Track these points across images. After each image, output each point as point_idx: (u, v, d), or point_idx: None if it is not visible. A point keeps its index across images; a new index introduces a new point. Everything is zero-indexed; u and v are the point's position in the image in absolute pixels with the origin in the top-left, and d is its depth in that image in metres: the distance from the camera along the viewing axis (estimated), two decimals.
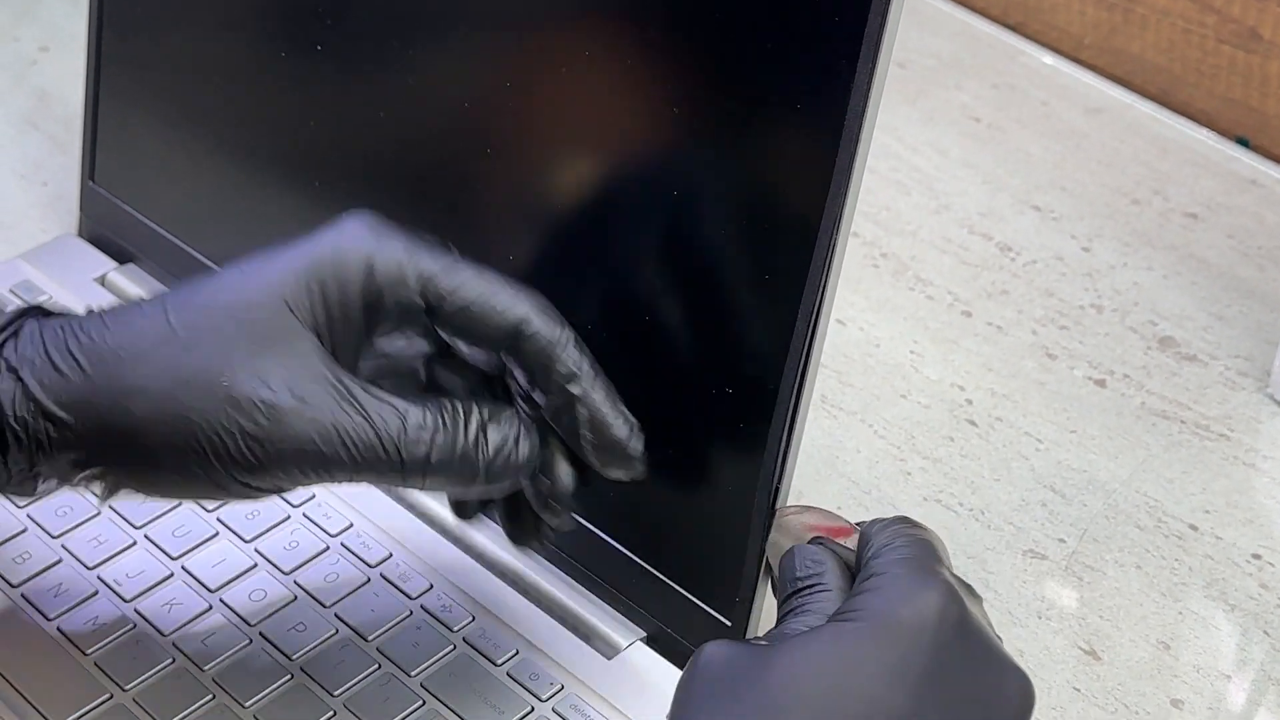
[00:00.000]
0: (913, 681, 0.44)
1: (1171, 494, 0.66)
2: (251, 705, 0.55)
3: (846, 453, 0.67)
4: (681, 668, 0.55)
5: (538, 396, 0.51)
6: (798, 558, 0.50)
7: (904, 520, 0.50)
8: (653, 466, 0.56)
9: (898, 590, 0.46)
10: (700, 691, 0.46)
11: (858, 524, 0.51)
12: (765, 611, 0.54)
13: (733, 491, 0.53)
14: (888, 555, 0.48)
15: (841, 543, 0.51)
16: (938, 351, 0.72)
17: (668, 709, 0.46)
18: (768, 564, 0.52)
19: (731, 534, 0.54)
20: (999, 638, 0.48)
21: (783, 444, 0.51)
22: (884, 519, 0.50)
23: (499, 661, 0.57)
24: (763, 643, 0.47)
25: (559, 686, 0.56)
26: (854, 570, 0.50)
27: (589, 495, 0.58)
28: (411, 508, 0.63)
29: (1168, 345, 0.72)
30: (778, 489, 0.52)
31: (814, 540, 0.51)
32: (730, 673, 0.45)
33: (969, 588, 0.49)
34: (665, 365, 0.55)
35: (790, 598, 0.49)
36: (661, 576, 0.56)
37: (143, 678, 0.56)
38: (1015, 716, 0.46)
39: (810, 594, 0.49)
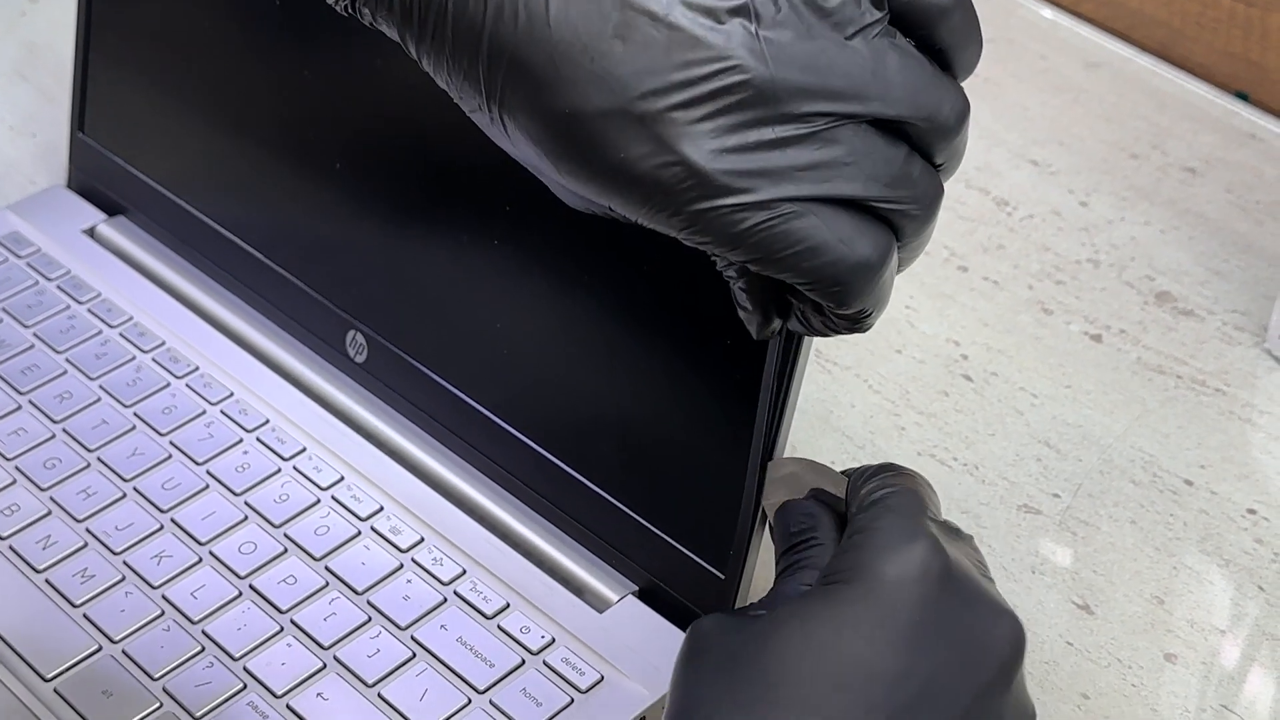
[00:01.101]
0: (900, 639, 0.44)
1: (1167, 449, 0.65)
2: (242, 658, 0.55)
3: (841, 408, 0.67)
4: (674, 621, 0.56)
5: None
6: (790, 513, 0.50)
7: (888, 468, 0.50)
8: (647, 418, 0.56)
9: (880, 548, 0.46)
10: (697, 668, 0.46)
11: (844, 472, 0.51)
12: (760, 564, 0.54)
13: (727, 444, 0.53)
14: (871, 511, 0.48)
15: (834, 493, 0.50)
16: (933, 306, 0.71)
17: (667, 680, 0.46)
18: (764, 515, 0.52)
19: (725, 487, 0.53)
20: (989, 579, 0.48)
21: (777, 396, 0.51)
22: (868, 467, 0.50)
23: (490, 614, 0.56)
24: (759, 611, 0.46)
25: (550, 640, 0.56)
26: (846, 518, 0.50)
27: (580, 446, 0.58)
28: (401, 459, 0.62)
29: (1164, 300, 0.72)
30: (774, 442, 0.52)
31: (810, 494, 0.51)
32: (725, 647, 0.45)
33: (955, 531, 0.49)
34: (661, 315, 0.54)
35: (786, 553, 0.49)
36: (654, 529, 0.56)
37: (132, 630, 0.56)
38: (1007, 658, 0.46)
39: (804, 549, 0.49)
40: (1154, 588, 0.60)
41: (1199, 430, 0.66)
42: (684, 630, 0.55)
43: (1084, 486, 0.64)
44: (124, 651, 0.55)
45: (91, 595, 0.57)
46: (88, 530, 0.59)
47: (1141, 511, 0.63)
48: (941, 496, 0.63)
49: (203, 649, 0.55)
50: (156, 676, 0.54)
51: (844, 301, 0.43)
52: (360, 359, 0.64)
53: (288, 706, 0.54)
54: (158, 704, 0.54)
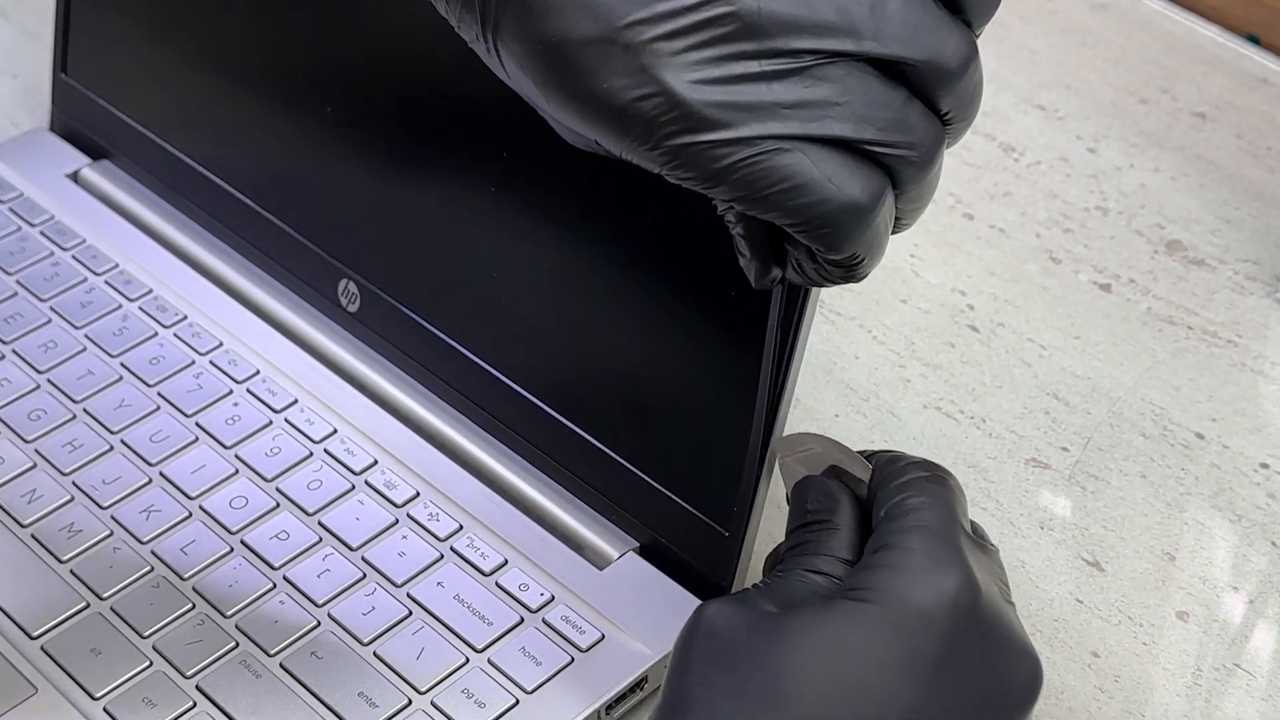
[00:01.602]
0: (923, 673, 0.43)
1: (1178, 401, 0.64)
2: (233, 615, 0.54)
3: (845, 359, 0.66)
4: (676, 579, 0.55)
5: None
6: (811, 490, 0.49)
7: (918, 465, 0.48)
8: (648, 370, 0.54)
9: (912, 571, 0.44)
10: (702, 658, 0.44)
11: (868, 455, 0.49)
12: (765, 520, 0.53)
13: (731, 397, 0.52)
14: (901, 525, 0.46)
15: (853, 473, 0.49)
16: (938, 255, 0.70)
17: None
18: (754, 529, 0.51)
19: (729, 441, 0.52)
20: (1010, 602, 0.47)
21: (782, 349, 0.49)
22: (896, 458, 0.48)
23: (487, 571, 0.55)
24: (768, 605, 0.45)
25: (549, 597, 0.54)
26: (865, 505, 0.48)
27: (579, 399, 0.56)
28: (396, 412, 0.61)
29: (1175, 249, 0.71)
30: (779, 396, 0.50)
31: (828, 471, 0.49)
32: (734, 641, 0.44)
33: (982, 544, 0.48)
34: (664, 265, 0.53)
35: (798, 530, 0.48)
36: (656, 485, 0.55)
37: (120, 586, 0.54)
38: (1023, 700, 0.45)
39: (818, 531, 0.47)
40: (1165, 544, 0.59)
41: (1210, 382, 0.65)
42: (687, 588, 0.54)
43: (1093, 440, 0.63)
44: (113, 609, 0.54)
45: (78, 551, 0.56)
46: (74, 484, 0.58)
47: (1152, 466, 0.62)
48: (948, 450, 0.62)
49: (193, 606, 0.54)
50: (146, 634, 0.53)
51: (833, 245, 0.41)
52: (353, 308, 0.62)
53: (281, 665, 0.52)
54: (148, 663, 0.52)
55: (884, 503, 0.47)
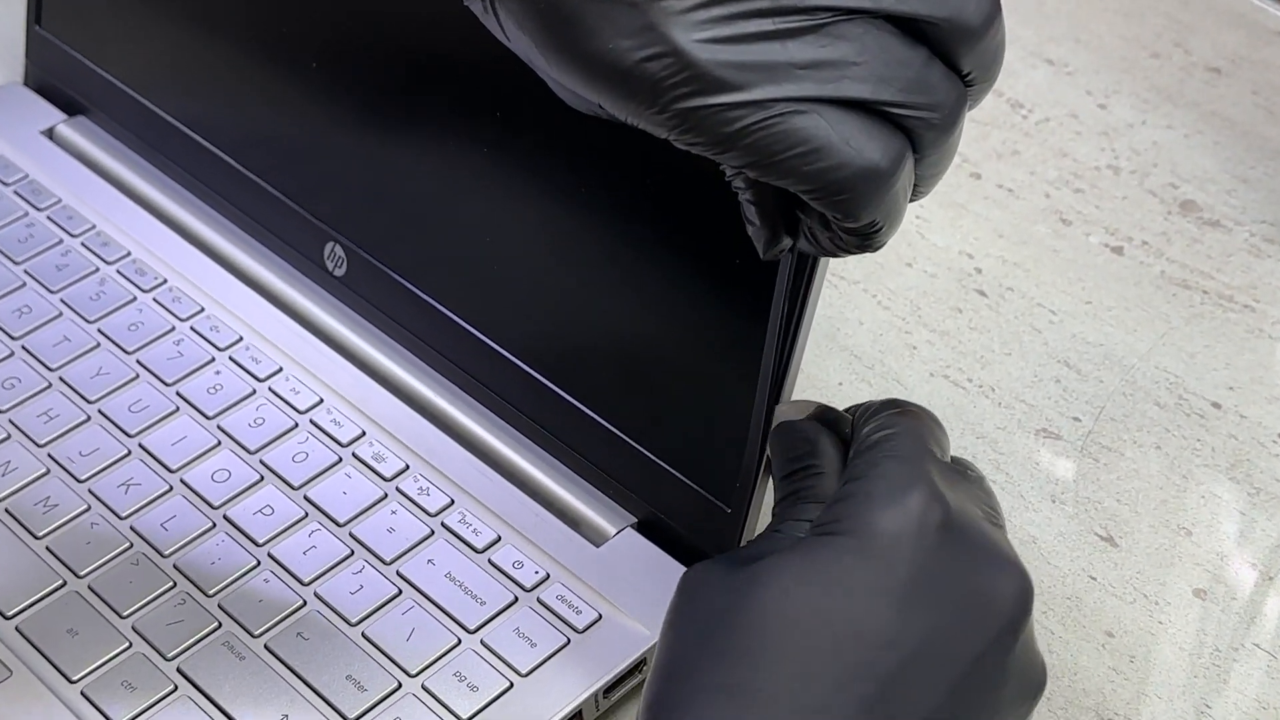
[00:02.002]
0: (894, 598, 0.41)
1: (1193, 369, 0.62)
2: (216, 594, 0.52)
3: (849, 325, 0.63)
4: (675, 556, 0.53)
5: None
6: (788, 436, 0.47)
7: (890, 405, 0.46)
8: (648, 340, 0.52)
9: (875, 497, 0.43)
10: (684, 622, 0.43)
11: (849, 410, 0.47)
12: (770, 496, 0.51)
13: (734, 369, 0.49)
14: (869, 455, 0.44)
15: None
16: (945, 216, 0.68)
17: (659, 628, 0.43)
18: (757, 505, 0.49)
19: (732, 415, 0.50)
20: (999, 525, 0.45)
21: (789, 320, 0.47)
22: (871, 403, 0.47)
23: (480, 549, 0.53)
24: (754, 553, 0.43)
25: (544, 575, 0.52)
26: (848, 448, 0.46)
27: (575, 369, 0.54)
28: (384, 381, 0.58)
29: (1189, 209, 0.68)
30: (785, 369, 0.48)
31: (809, 416, 0.47)
32: (710, 600, 0.43)
33: (963, 472, 0.46)
34: (665, 230, 0.50)
35: (785, 480, 0.46)
36: (655, 459, 0.53)
37: (98, 564, 0.52)
38: (1011, 615, 0.43)
39: (804, 477, 0.46)
40: (1181, 518, 0.57)
41: (1227, 349, 0.63)
42: (687, 565, 0.52)
43: (1106, 409, 0.61)
44: (90, 587, 0.52)
45: (55, 526, 0.53)
46: (50, 456, 0.56)
47: (1167, 436, 0.60)
48: (955, 420, 0.60)
49: (174, 585, 0.52)
50: (125, 614, 0.51)
51: (851, 212, 0.39)
52: (339, 273, 0.60)
53: (266, 646, 0.50)
54: (127, 644, 0.50)
55: (858, 438, 0.46)
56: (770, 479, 0.49)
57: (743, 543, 0.51)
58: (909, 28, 0.38)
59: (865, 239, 0.40)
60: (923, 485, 0.43)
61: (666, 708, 0.41)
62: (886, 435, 0.45)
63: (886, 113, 0.38)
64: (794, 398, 0.49)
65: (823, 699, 0.40)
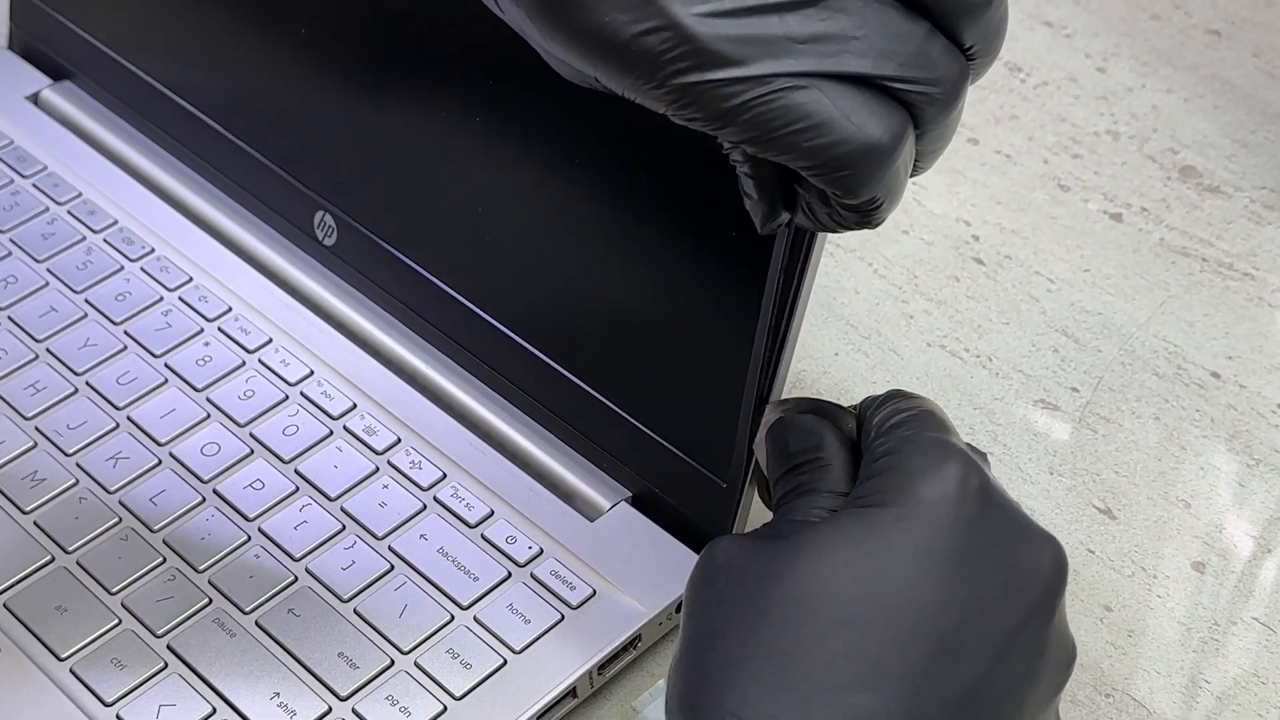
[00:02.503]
0: (942, 564, 0.41)
1: (1192, 338, 0.61)
2: (206, 570, 0.51)
3: (845, 294, 0.63)
4: (670, 531, 0.52)
5: None
6: (790, 429, 0.46)
7: (898, 394, 0.46)
8: (642, 313, 0.52)
9: (914, 469, 0.42)
10: (717, 590, 0.42)
11: (850, 407, 0.47)
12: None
13: (730, 342, 0.49)
14: (896, 434, 0.44)
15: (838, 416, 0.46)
16: (942, 183, 0.67)
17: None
18: (755, 452, 0.48)
19: (727, 388, 0.49)
20: (1019, 505, 0.44)
21: (785, 293, 0.46)
22: (875, 396, 0.46)
23: (473, 523, 0.53)
24: (778, 534, 0.43)
25: (538, 550, 0.52)
26: (852, 441, 0.46)
27: (569, 341, 0.54)
28: (376, 353, 0.58)
29: (1189, 175, 0.68)
30: (781, 342, 0.47)
31: (807, 411, 0.47)
32: (747, 569, 0.42)
33: (981, 454, 0.46)
34: (660, 201, 0.50)
35: (787, 475, 0.45)
36: (649, 433, 0.52)
37: (86, 539, 0.52)
38: (1050, 585, 0.43)
39: (810, 470, 0.45)
40: (1180, 490, 0.56)
41: (1226, 318, 0.62)
42: (682, 541, 0.52)
43: (1104, 380, 0.60)
44: (79, 563, 0.51)
45: (42, 501, 0.53)
46: (37, 429, 0.55)
47: (1166, 407, 0.59)
48: (952, 391, 0.59)
49: (164, 560, 0.51)
50: (115, 590, 0.51)
51: (851, 189, 0.38)
52: (329, 242, 0.59)
53: (257, 623, 0.50)
54: (116, 620, 0.50)
55: (872, 427, 0.45)
56: (755, 473, 0.48)
57: (738, 517, 0.50)
58: (909, 1, 0.37)
59: (865, 215, 0.40)
60: (959, 455, 0.43)
61: (705, 677, 0.41)
62: (909, 415, 0.45)
63: (887, 87, 0.38)
64: (790, 367, 0.49)
65: (870, 666, 0.40)
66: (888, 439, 0.44)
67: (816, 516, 0.43)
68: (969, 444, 0.46)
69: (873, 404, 0.46)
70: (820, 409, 0.47)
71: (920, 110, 0.38)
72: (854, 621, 0.40)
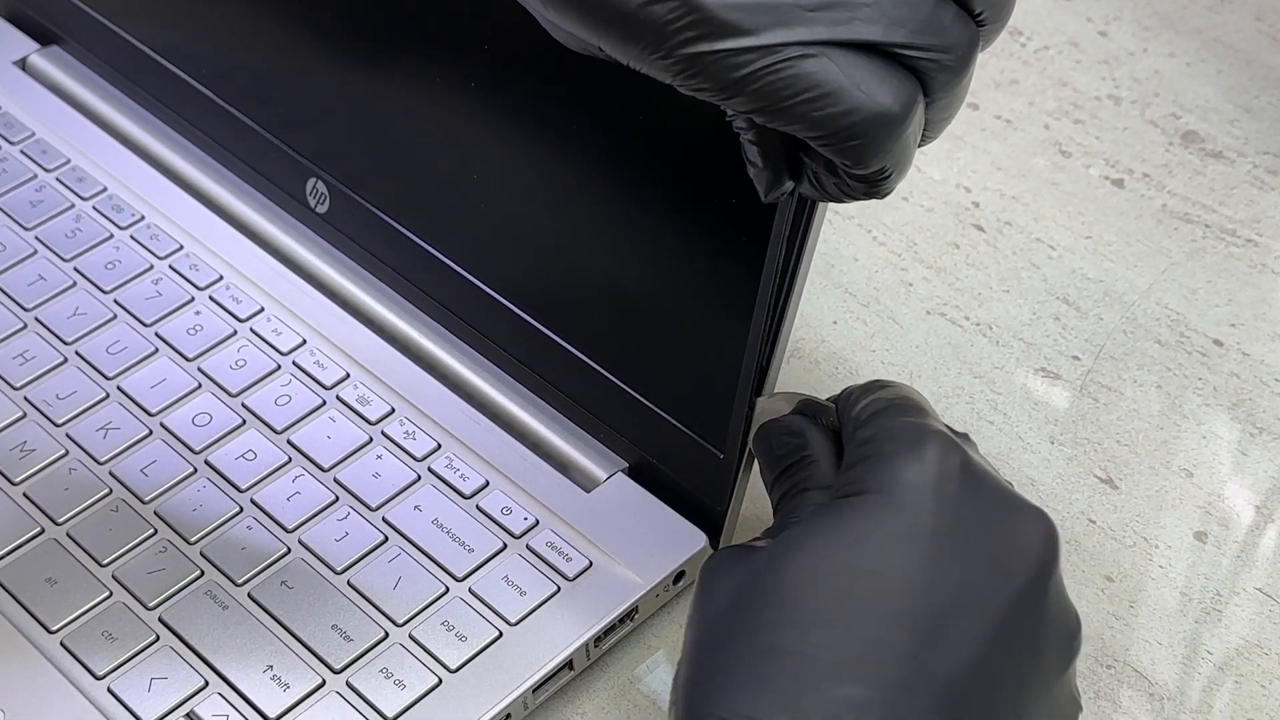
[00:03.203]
0: (925, 545, 0.41)
1: (1195, 306, 0.61)
2: (197, 542, 0.51)
3: (843, 261, 0.62)
4: (667, 501, 0.52)
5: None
6: (773, 434, 0.46)
7: (877, 384, 0.46)
8: (639, 281, 0.51)
9: (892, 454, 0.42)
10: (711, 599, 0.42)
11: (830, 399, 0.46)
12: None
13: (730, 310, 0.48)
14: (874, 423, 0.44)
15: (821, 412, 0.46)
16: (941, 148, 0.66)
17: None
18: (749, 453, 0.48)
19: (728, 357, 0.48)
20: (1008, 483, 0.44)
21: (786, 261, 0.46)
22: (854, 387, 0.46)
23: (468, 494, 0.52)
24: (767, 539, 0.43)
25: (534, 522, 0.51)
26: (836, 434, 0.46)
27: (564, 310, 0.53)
28: (369, 322, 0.57)
29: (1191, 140, 0.67)
30: (781, 311, 0.47)
31: (794, 410, 0.47)
32: (738, 573, 0.42)
33: (962, 435, 0.46)
34: (659, 168, 0.49)
35: (779, 478, 0.46)
36: (647, 403, 0.51)
37: (76, 511, 0.51)
38: (1042, 560, 0.42)
39: (799, 469, 0.45)
40: (1182, 459, 0.56)
41: (1229, 285, 0.61)
42: (680, 512, 0.51)
43: (1106, 348, 0.59)
44: (69, 535, 0.51)
45: (31, 472, 0.52)
46: (26, 399, 0.54)
47: (1168, 375, 0.58)
48: (952, 359, 0.59)
49: (155, 532, 0.51)
50: (105, 562, 0.50)
51: (861, 158, 0.38)
52: (322, 209, 0.59)
53: (249, 595, 0.49)
54: (107, 593, 0.49)
55: (850, 419, 0.45)
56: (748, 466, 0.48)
57: (735, 489, 0.50)
58: None
59: (874, 185, 0.39)
60: (937, 436, 0.43)
61: (695, 683, 0.40)
62: (887, 404, 0.44)
63: (897, 55, 0.37)
64: (790, 338, 0.48)
65: (853, 657, 0.39)
66: (866, 428, 0.44)
67: (809, 514, 0.43)
68: (949, 426, 0.46)
69: (851, 394, 0.46)
70: (805, 407, 0.47)
71: (930, 78, 0.38)
72: (834, 613, 0.40)
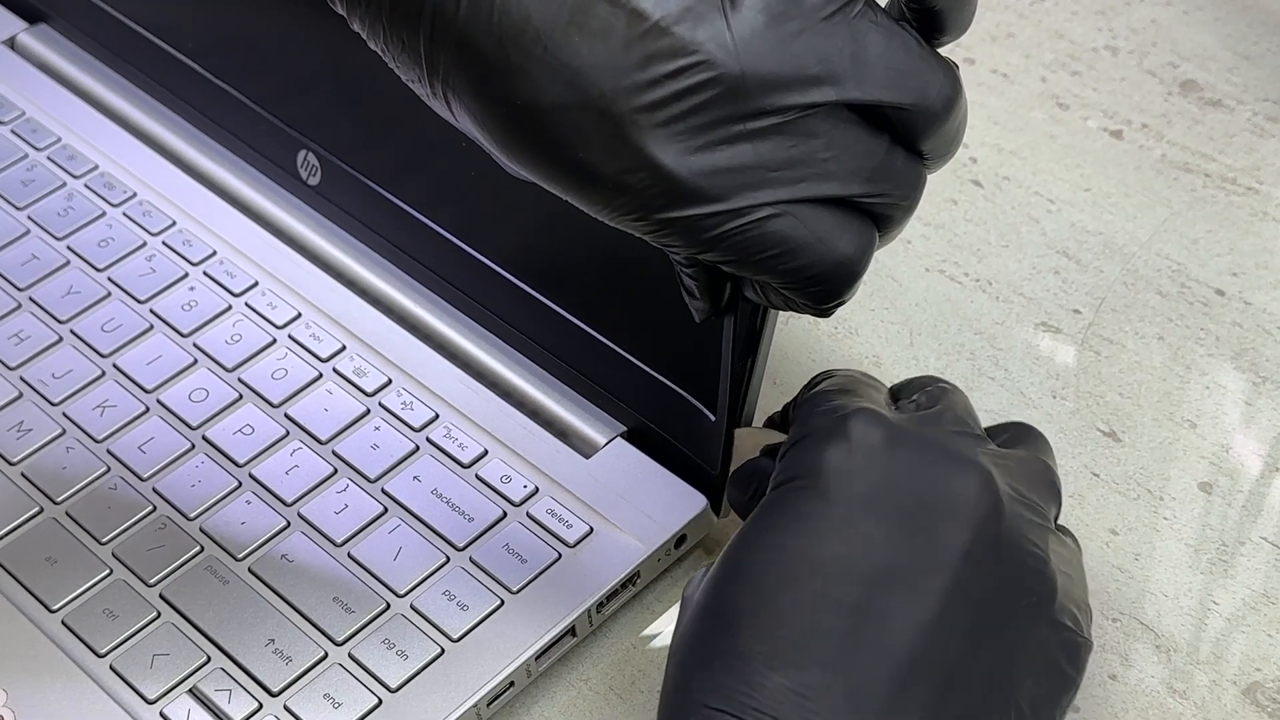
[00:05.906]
0: (857, 520, 0.41)
1: (1195, 255, 0.60)
2: (197, 518, 0.50)
3: None
4: (666, 465, 0.51)
5: None
6: (739, 480, 0.47)
7: (820, 375, 0.47)
8: (632, 244, 0.50)
9: (813, 437, 0.43)
10: (689, 618, 0.42)
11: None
12: (760, 400, 0.49)
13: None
14: (799, 412, 0.45)
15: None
16: None
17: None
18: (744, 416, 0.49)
19: (719, 320, 0.48)
20: (967, 433, 0.44)
21: None
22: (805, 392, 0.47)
23: (467, 463, 0.52)
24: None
25: (533, 489, 0.51)
26: None
27: (557, 275, 0.53)
28: (363, 293, 0.57)
29: (1190, 89, 0.66)
30: None
31: (761, 452, 0.48)
32: (700, 590, 0.42)
33: (951, 388, 0.46)
34: None
35: (747, 506, 0.47)
36: (643, 365, 0.51)
37: (75, 489, 0.51)
38: (982, 511, 0.42)
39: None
40: (1185, 410, 0.56)
41: (1230, 234, 0.61)
42: (677, 474, 0.51)
43: (1107, 300, 0.59)
44: (68, 513, 0.51)
45: (29, 451, 0.52)
46: (22, 379, 0.54)
47: (1170, 326, 0.58)
48: (952, 316, 0.58)
49: (154, 509, 0.51)
50: (104, 540, 0.50)
51: (822, 300, 0.40)
52: (313, 181, 0.58)
53: (250, 570, 0.49)
54: (107, 570, 0.49)
55: (791, 417, 0.46)
56: (761, 375, 0.48)
57: (726, 450, 0.50)
58: (871, 113, 0.38)
59: (822, 310, 0.41)
60: (858, 414, 0.43)
61: (681, 689, 0.41)
62: (816, 391, 0.45)
63: (855, 203, 0.39)
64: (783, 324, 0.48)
65: (787, 646, 0.39)
66: (796, 422, 0.45)
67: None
68: (936, 387, 0.46)
69: (800, 398, 0.46)
70: (770, 449, 0.47)
71: (884, 218, 0.40)
72: (763, 606, 0.40)
